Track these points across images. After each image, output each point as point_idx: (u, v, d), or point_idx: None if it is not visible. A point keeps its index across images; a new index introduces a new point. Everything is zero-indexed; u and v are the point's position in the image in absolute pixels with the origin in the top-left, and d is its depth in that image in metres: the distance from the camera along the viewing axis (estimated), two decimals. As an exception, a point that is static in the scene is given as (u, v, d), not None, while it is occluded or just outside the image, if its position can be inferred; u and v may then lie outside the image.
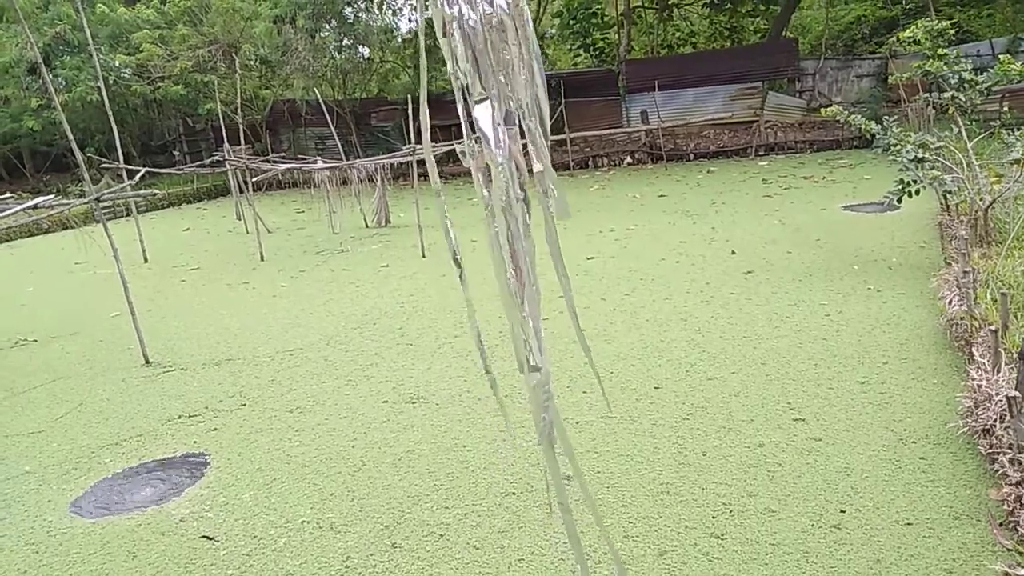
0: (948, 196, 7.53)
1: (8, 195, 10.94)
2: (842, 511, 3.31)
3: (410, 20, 23.50)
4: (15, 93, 22.50)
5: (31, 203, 7.42)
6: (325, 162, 12.91)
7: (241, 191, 15.06)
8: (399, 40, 24.05)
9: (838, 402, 4.41)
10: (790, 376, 4.87)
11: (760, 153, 19.25)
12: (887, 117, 7.54)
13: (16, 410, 5.77)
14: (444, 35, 1.47)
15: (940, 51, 7.35)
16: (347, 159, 13.74)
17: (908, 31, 7.74)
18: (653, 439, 4.19)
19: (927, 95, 9.71)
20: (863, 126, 7.38)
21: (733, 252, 8.58)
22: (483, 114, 1.46)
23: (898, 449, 3.79)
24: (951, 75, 7.24)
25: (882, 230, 8.87)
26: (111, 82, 20.71)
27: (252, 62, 22.26)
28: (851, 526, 3.20)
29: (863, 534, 3.13)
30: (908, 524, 3.17)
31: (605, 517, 3.45)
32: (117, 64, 21.78)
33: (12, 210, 7.34)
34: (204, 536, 3.67)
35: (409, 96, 13.28)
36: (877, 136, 7.37)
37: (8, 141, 25.25)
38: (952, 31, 7.70)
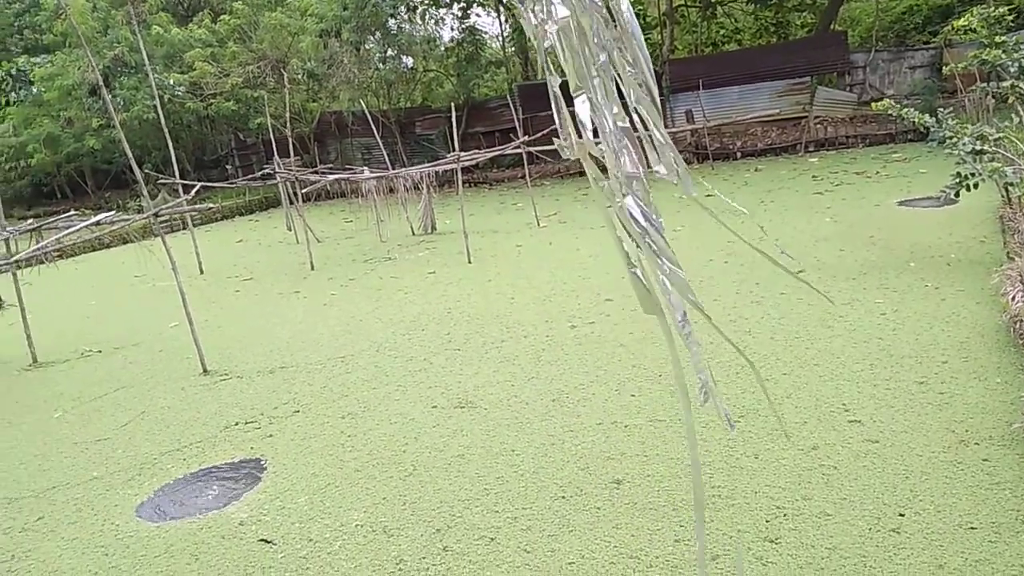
0: (1010, 188, 7.26)
1: (72, 212, 11.41)
2: (901, 515, 3.22)
3: (452, 29, 23.75)
4: (78, 114, 23.48)
5: (94, 219, 7.75)
6: (372, 172, 13.13)
7: (291, 202, 15.42)
8: (442, 49, 24.32)
9: (895, 403, 4.30)
10: (844, 377, 4.76)
11: (810, 149, 18.84)
12: (942, 109, 7.31)
13: (84, 418, 6.02)
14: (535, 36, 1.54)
15: (998, 39, 7.09)
16: (393, 168, 13.94)
17: (963, 19, 7.49)
18: (704, 442, 4.14)
19: (985, 85, 9.39)
20: (917, 119, 7.17)
21: (783, 252, 8.41)
22: (583, 108, 1.53)
23: (960, 451, 3.67)
24: (1010, 63, 6.98)
25: (939, 225, 8.59)
26: (166, 100, 21.44)
27: (299, 76, 22.78)
28: (911, 530, 3.11)
29: (924, 538, 3.05)
30: (972, 528, 3.07)
31: (656, 521, 3.43)
32: (172, 83, 22.55)
33: (77, 227, 7.67)
34: (262, 540, 3.78)
35: (452, 104, 13.41)
36: (932, 129, 7.15)
37: (72, 160, 26.36)
38: (1010, 17, 7.42)
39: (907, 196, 10.76)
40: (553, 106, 1.60)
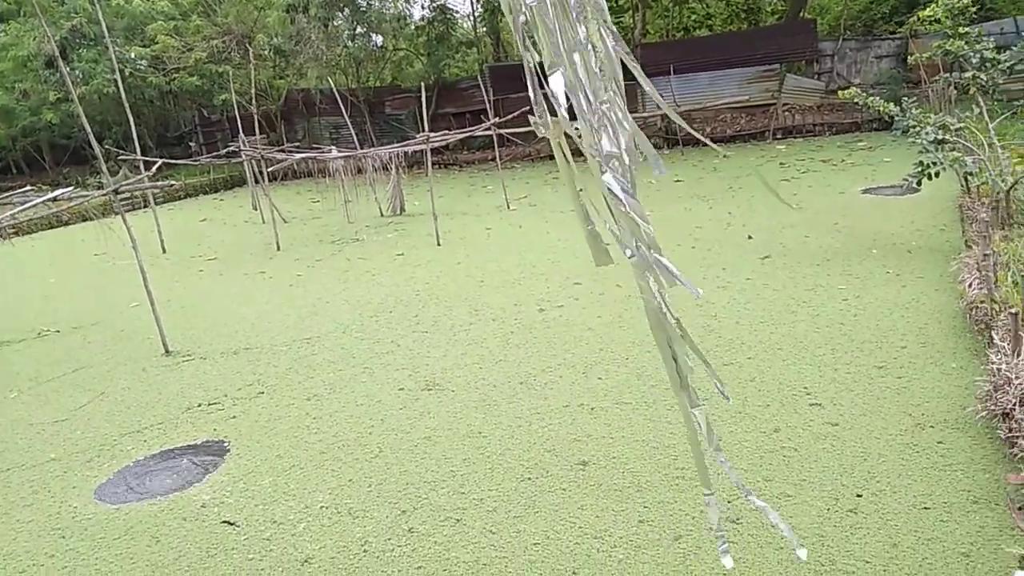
0: (969, 178, 7.42)
1: (28, 188, 11.08)
2: (858, 495, 3.30)
3: (423, 7, 23.42)
4: (34, 87, 22.72)
5: (51, 195, 7.51)
6: (340, 151, 12.95)
7: (257, 181, 15.16)
8: (412, 27, 23.98)
9: (855, 387, 4.39)
10: (807, 361, 4.85)
11: (778, 136, 19.04)
12: (907, 98, 7.43)
13: (41, 399, 5.88)
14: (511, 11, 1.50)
15: (961, 30, 7.21)
16: (361, 148, 13.77)
17: (928, 10, 7.60)
18: (668, 425, 4.19)
19: (948, 75, 9.55)
20: (882, 108, 7.28)
21: (750, 237, 8.52)
22: (557, 84, 1.49)
23: (916, 433, 3.76)
24: (972, 54, 7.12)
25: (902, 213, 8.76)
26: (127, 74, 20.84)
27: (266, 52, 22.30)
28: (867, 510, 3.19)
29: (879, 518, 3.12)
30: (925, 508, 3.15)
31: (620, 502, 3.47)
32: (133, 56, 21.92)
33: (33, 203, 7.44)
34: (225, 521, 3.74)
35: (423, 84, 13.26)
36: (896, 118, 7.27)
37: (28, 134, 25.54)
38: (974, 9, 7.54)
39: (871, 184, 10.94)
40: (529, 83, 1.58)
